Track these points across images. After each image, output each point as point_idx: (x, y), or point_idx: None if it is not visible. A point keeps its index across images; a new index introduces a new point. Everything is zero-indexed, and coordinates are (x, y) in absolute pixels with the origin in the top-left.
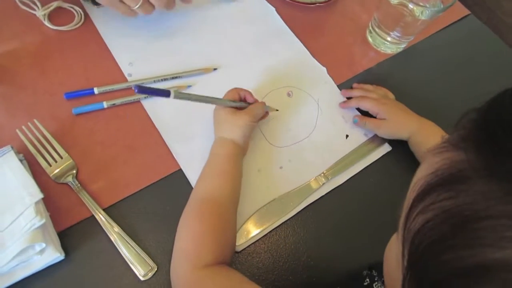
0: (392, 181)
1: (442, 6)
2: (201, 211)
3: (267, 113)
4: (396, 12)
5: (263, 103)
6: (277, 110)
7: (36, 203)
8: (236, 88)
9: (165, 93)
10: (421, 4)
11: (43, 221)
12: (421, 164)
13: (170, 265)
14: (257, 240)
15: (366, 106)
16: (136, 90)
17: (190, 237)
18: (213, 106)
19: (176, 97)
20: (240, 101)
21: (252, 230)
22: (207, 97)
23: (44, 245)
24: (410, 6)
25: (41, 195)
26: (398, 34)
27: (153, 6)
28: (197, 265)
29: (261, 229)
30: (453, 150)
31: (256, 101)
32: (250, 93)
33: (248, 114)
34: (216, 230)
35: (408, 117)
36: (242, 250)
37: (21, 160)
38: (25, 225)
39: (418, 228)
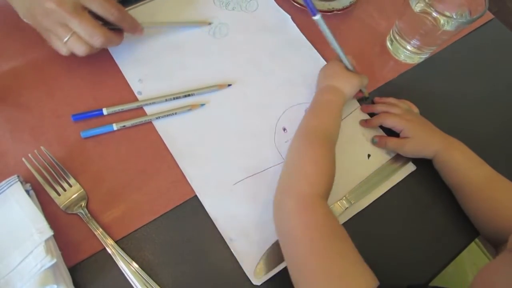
0: (417, 203)
1: (469, 17)
2: (315, 142)
3: None
4: (418, 19)
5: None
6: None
7: (46, 240)
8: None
9: None
10: (447, 13)
11: (54, 260)
12: None
13: None
14: (277, 273)
15: (389, 123)
16: None
17: (310, 160)
18: (229, 125)
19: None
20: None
21: (271, 264)
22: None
23: (55, 286)
24: (434, 14)
25: (51, 232)
26: (418, 43)
27: (87, 44)
28: (314, 192)
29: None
30: None
31: None
32: None
33: (361, 77)
34: (329, 161)
35: (433, 135)
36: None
37: (28, 191)
38: (35, 265)
39: None
